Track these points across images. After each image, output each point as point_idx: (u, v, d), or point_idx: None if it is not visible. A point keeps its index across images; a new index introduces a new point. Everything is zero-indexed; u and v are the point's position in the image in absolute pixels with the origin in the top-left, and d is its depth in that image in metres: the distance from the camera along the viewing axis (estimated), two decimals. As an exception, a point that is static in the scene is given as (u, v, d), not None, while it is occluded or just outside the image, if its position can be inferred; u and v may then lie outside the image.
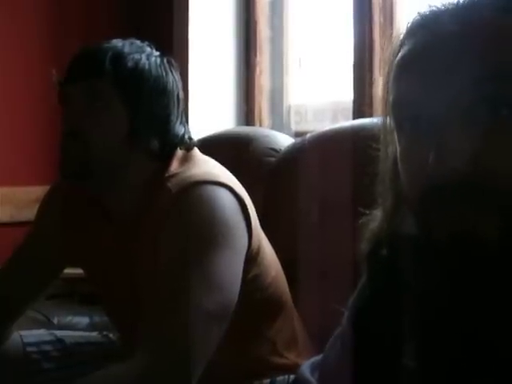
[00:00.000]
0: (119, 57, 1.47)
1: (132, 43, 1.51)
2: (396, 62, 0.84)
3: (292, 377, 1.45)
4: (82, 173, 1.47)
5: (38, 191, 2.18)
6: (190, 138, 1.54)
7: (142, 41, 1.54)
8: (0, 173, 2.86)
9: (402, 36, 0.86)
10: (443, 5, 0.83)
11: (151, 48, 1.53)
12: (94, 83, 1.46)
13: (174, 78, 1.53)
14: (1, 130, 2.85)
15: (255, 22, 2.82)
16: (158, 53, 1.53)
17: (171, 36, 2.84)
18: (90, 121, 1.46)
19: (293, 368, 1.42)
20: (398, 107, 0.83)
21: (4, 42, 2.88)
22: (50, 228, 1.66)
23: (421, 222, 0.81)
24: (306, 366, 1.02)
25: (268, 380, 1.53)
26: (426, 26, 0.83)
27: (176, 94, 1.53)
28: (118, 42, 1.50)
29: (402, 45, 0.85)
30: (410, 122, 0.81)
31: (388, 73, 0.87)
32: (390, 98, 0.84)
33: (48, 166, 2.73)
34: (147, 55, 1.50)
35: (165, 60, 1.53)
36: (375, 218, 0.92)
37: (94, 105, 1.46)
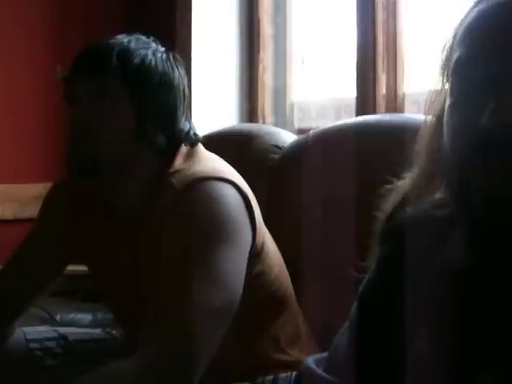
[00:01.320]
0: (126, 53, 1.47)
1: (138, 39, 1.51)
2: (468, 20, 0.85)
3: (295, 374, 1.45)
4: (90, 169, 1.47)
5: (41, 188, 2.18)
6: (196, 134, 1.54)
7: (148, 36, 1.54)
8: (2, 170, 2.86)
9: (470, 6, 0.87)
10: None
11: (157, 44, 1.53)
12: (101, 80, 1.46)
13: (179, 74, 1.53)
14: (4, 127, 2.85)
15: (258, 20, 2.82)
16: (163, 48, 1.53)
17: (174, 33, 2.84)
18: (97, 117, 1.46)
19: (296, 365, 1.42)
20: (462, 64, 0.84)
21: (7, 39, 2.88)
22: (53, 225, 1.66)
23: (459, 177, 0.81)
24: (310, 360, 1.01)
25: (271, 377, 1.53)
26: None
27: (182, 89, 1.53)
28: (123, 38, 1.50)
29: (476, 5, 0.86)
30: (471, 78, 0.82)
31: (455, 32, 0.88)
32: (455, 55, 0.85)
33: (50, 163, 2.74)
34: (153, 51, 1.50)
35: (170, 55, 1.53)
36: (398, 185, 0.92)
37: (101, 101, 1.46)
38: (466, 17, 0.87)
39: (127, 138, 1.47)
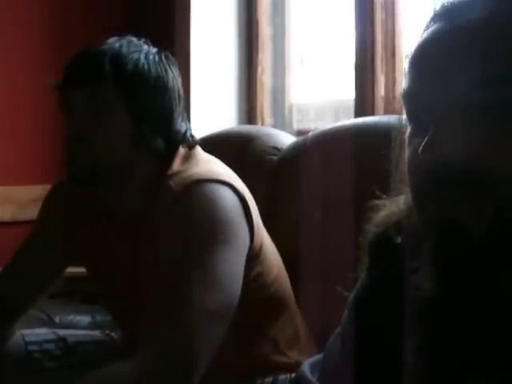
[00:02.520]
0: (118, 59, 1.46)
1: (129, 42, 1.50)
2: (413, 50, 0.84)
3: (294, 375, 1.45)
4: (91, 178, 1.48)
5: (40, 190, 2.18)
6: (192, 136, 1.54)
7: (139, 38, 1.53)
8: (1, 172, 2.86)
9: (423, 27, 0.86)
10: None
11: (148, 45, 1.52)
12: (95, 88, 1.45)
13: (173, 75, 1.52)
14: (2, 128, 2.85)
15: (257, 21, 2.82)
16: (155, 49, 1.52)
17: (173, 34, 2.84)
18: (94, 126, 1.45)
19: (295, 367, 1.41)
20: (406, 97, 0.83)
21: (5, 40, 2.87)
22: (52, 227, 1.66)
23: (416, 209, 0.82)
24: (306, 366, 1.02)
25: (270, 379, 1.53)
26: (443, 17, 0.82)
27: (177, 90, 1.52)
28: (115, 43, 1.49)
29: (421, 35, 0.85)
30: (415, 113, 0.82)
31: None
32: (403, 86, 0.84)
33: (49, 164, 2.73)
34: (145, 53, 1.49)
35: (163, 56, 1.52)
36: (388, 203, 0.92)
37: (97, 109, 1.45)
38: (420, 36, 0.85)
39: (125, 144, 1.47)
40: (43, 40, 2.95)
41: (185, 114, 1.55)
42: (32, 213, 1.88)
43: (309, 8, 2.72)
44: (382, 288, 0.89)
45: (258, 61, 2.81)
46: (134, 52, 1.48)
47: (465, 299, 0.78)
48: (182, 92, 1.55)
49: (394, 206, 0.91)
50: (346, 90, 2.45)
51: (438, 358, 0.80)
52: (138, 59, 1.47)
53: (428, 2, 2.24)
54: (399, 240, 0.88)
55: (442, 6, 0.83)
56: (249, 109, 2.83)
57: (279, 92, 2.78)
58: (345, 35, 2.47)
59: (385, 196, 0.94)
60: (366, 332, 0.90)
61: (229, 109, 2.83)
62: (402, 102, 0.84)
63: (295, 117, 2.73)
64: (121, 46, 1.48)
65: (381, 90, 2.27)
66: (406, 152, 0.84)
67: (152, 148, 1.49)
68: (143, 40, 1.53)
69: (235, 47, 2.85)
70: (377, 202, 0.94)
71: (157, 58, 1.50)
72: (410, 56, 0.83)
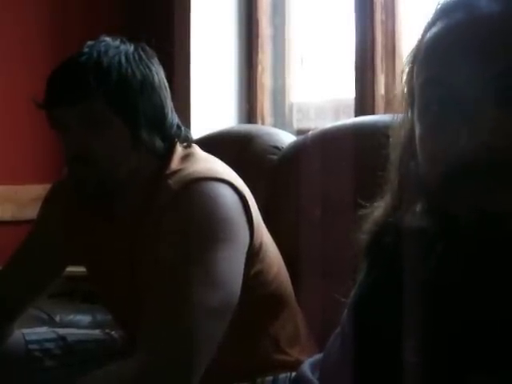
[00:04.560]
0: (102, 70, 1.42)
1: (106, 46, 1.46)
2: (428, 40, 0.83)
3: (294, 374, 1.45)
4: (100, 192, 1.47)
5: (39, 189, 2.18)
6: (179, 126, 1.53)
7: (113, 37, 1.50)
8: (1, 171, 2.86)
9: (430, 19, 0.86)
10: None
11: (124, 43, 1.49)
12: (84, 105, 1.42)
13: (156, 70, 1.50)
14: (2, 128, 2.86)
15: (257, 21, 2.82)
16: (132, 46, 1.49)
17: (173, 34, 2.84)
18: (93, 142, 1.44)
19: (295, 365, 1.41)
20: (431, 85, 0.82)
21: (5, 40, 2.88)
22: (51, 226, 1.66)
23: (443, 201, 0.81)
24: (306, 365, 1.02)
25: (271, 377, 1.53)
26: (460, 7, 0.82)
27: (162, 84, 1.51)
28: (92, 51, 1.44)
29: (429, 27, 0.85)
30: (441, 101, 0.81)
31: (414, 56, 0.87)
32: (420, 79, 0.84)
33: (49, 164, 2.74)
34: (125, 55, 1.46)
35: (141, 52, 1.49)
36: (376, 209, 0.93)
37: (92, 125, 1.43)
38: (422, 38, 0.86)
39: (126, 152, 1.46)
40: (43, 40, 2.95)
41: (172, 105, 1.54)
42: (32, 212, 1.88)
43: (309, 8, 2.72)
44: (380, 287, 0.89)
45: (259, 60, 2.81)
46: (114, 57, 1.45)
47: (485, 291, 0.78)
48: (166, 84, 1.53)
49: (379, 210, 0.92)
50: (346, 90, 2.45)
51: (439, 355, 0.80)
52: (120, 65, 1.44)
53: (427, 2, 2.24)
54: (390, 239, 0.88)
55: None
56: (249, 108, 2.83)
57: (279, 91, 2.78)
58: (345, 35, 2.48)
59: (368, 204, 0.94)
60: (366, 331, 0.90)
61: (229, 108, 2.83)
62: (421, 91, 0.83)
63: (295, 116, 2.73)
64: (99, 55, 1.44)
65: (381, 89, 2.27)
66: (423, 144, 0.83)
67: (151, 149, 1.48)
68: (119, 39, 1.50)
69: (235, 47, 2.85)
70: (364, 210, 0.95)
71: (137, 57, 1.48)
72: (428, 46, 0.83)
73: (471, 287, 0.78)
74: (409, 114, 0.89)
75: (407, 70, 0.89)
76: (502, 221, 0.75)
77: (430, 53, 0.83)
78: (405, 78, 0.89)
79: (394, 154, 0.92)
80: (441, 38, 0.82)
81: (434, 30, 0.83)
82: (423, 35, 0.86)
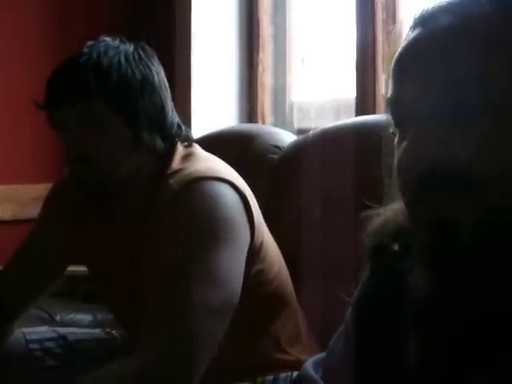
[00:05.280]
0: (102, 73, 1.42)
1: (106, 46, 1.46)
2: (394, 59, 0.85)
3: (295, 373, 1.45)
4: (101, 192, 1.48)
5: (40, 189, 2.18)
6: (179, 125, 1.53)
7: (113, 37, 1.50)
8: (1, 171, 2.86)
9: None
10: (443, 1, 0.84)
11: (124, 43, 1.49)
12: (85, 106, 1.42)
13: (156, 69, 1.50)
14: (2, 128, 2.85)
15: (258, 20, 2.82)
16: (131, 46, 1.49)
17: (174, 34, 2.84)
18: (94, 143, 1.44)
19: (296, 364, 1.42)
20: (391, 105, 0.84)
21: (5, 40, 2.88)
22: (53, 226, 1.66)
23: (409, 213, 0.83)
24: (309, 363, 1.02)
25: (271, 376, 1.53)
26: (422, 23, 0.84)
27: (162, 84, 1.50)
28: (92, 52, 1.44)
29: (404, 41, 0.86)
30: (400, 119, 0.83)
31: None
32: (388, 96, 0.86)
33: (50, 163, 2.74)
34: (125, 55, 1.46)
35: (141, 52, 1.49)
36: (380, 212, 0.93)
37: (92, 126, 1.43)
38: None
39: (127, 153, 1.46)
40: (43, 40, 2.95)
41: (172, 104, 1.54)
42: (33, 212, 1.88)
43: (310, 7, 2.72)
44: (384, 288, 0.89)
45: (259, 60, 2.81)
46: (113, 57, 1.45)
47: (457, 298, 0.78)
48: (167, 83, 1.53)
49: (389, 213, 0.92)
50: (346, 89, 2.45)
51: (438, 357, 0.80)
52: (120, 65, 1.44)
53: (427, 1, 2.24)
54: (398, 247, 0.89)
55: (420, 13, 0.85)
56: (250, 107, 2.83)
57: (280, 91, 2.79)
58: (346, 34, 2.47)
59: (376, 205, 0.95)
60: (369, 331, 0.90)
61: (230, 108, 2.83)
62: (387, 108, 0.86)
63: (296, 115, 2.73)
64: (99, 55, 1.44)
65: (382, 88, 2.27)
66: (395, 157, 0.85)
67: (152, 149, 1.48)
68: (118, 39, 1.50)
69: (236, 46, 2.85)
70: (370, 211, 0.95)
71: (136, 57, 1.48)
72: (392, 65, 0.85)
73: (456, 291, 0.79)
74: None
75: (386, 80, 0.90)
76: (458, 231, 0.76)
77: (394, 70, 0.84)
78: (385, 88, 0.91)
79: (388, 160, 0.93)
80: (401, 56, 0.83)
81: (402, 45, 0.85)
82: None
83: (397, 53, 0.84)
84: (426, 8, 0.85)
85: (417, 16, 0.85)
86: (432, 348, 0.81)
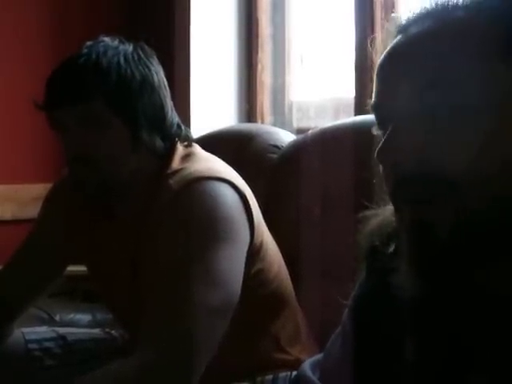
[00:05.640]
0: (101, 74, 1.42)
1: (105, 47, 1.46)
2: (377, 66, 0.88)
3: (295, 373, 1.45)
4: (100, 193, 1.48)
5: (40, 189, 2.18)
6: (179, 125, 1.53)
7: (112, 37, 1.50)
8: (1, 170, 2.86)
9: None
10: (424, 7, 0.87)
11: (123, 43, 1.49)
12: (85, 106, 1.42)
13: (155, 69, 1.50)
14: (2, 128, 2.86)
15: (257, 20, 2.82)
16: (131, 46, 1.49)
17: (173, 33, 2.84)
18: (93, 143, 1.44)
19: (296, 364, 1.42)
20: (374, 108, 0.87)
21: (5, 40, 2.88)
22: (53, 226, 1.66)
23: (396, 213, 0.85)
24: (307, 365, 1.02)
25: (271, 376, 1.53)
26: (403, 31, 0.86)
27: (162, 84, 1.50)
28: (91, 52, 1.44)
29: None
30: (381, 121, 0.85)
31: None
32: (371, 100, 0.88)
33: (50, 163, 2.74)
34: (124, 56, 1.46)
35: (140, 52, 1.49)
36: (378, 212, 0.93)
37: (92, 126, 1.43)
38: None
39: (127, 153, 1.46)
40: (43, 40, 2.95)
41: (172, 104, 1.54)
42: (32, 211, 1.88)
43: (309, 7, 2.72)
44: (380, 288, 0.89)
45: (258, 59, 2.81)
46: (113, 57, 1.44)
47: (440, 297, 0.80)
48: (166, 83, 1.53)
49: (386, 213, 0.93)
50: (346, 89, 2.45)
51: (438, 356, 0.80)
52: (119, 65, 1.44)
53: (427, 1, 2.24)
54: (393, 247, 0.89)
55: (400, 22, 0.88)
56: (249, 107, 2.83)
57: (279, 90, 2.79)
58: (345, 34, 2.47)
59: (373, 206, 0.95)
60: (367, 331, 0.90)
61: (229, 107, 2.83)
62: (373, 113, 0.88)
63: (295, 115, 2.73)
64: (98, 55, 1.44)
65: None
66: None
67: (151, 149, 1.48)
68: (117, 39, 1.50)
69: (235, 46, 2.85)
70: (367, 212, 0.95)
71: (136, 57, 1.47)
72: (376, 71, 0.88)
73: (437, 290, 0.80)
74: None
75: None
76: (435, 230, 0.78)
77: (376, 77, 0.87)
78: None
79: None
80: (381, 63, 0.86)
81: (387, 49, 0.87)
82: None
83: (379, 59, 0.87)
84: (406, 17, 0.88)
85: (398, 24, 0.88)
86: (426, 348, 0.81)
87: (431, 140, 0.79)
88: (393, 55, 0.84)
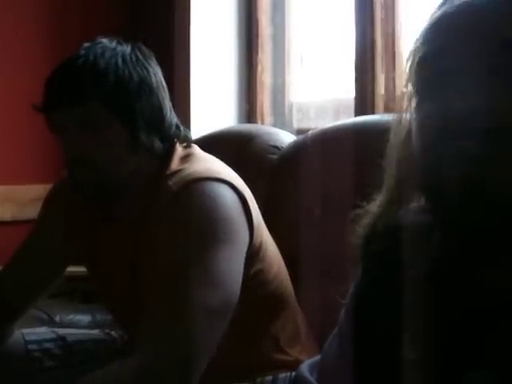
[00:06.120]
0: (99, 75, 1.42)
1: (103, 48, 1.46)
2: (432, 21, 0.86)
3: (294, 374, 1.46)
4: (99, 194, 1.48)
5: (39, 189, 2.18)
6: (178, 126, 1.53)
7: (110, 38, 1.50)
8: (1, 171, 2.85)
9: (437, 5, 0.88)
10: None
11: (121, 44, 1.49)
12: (83, 108, 1.42)
13: (153, 70, 1.50)
14: (2, 128, 2.85)
15: (257, 20, 2.82)
16: (129, 47, 1.49)
17: (173, 34, 2.84)
18: (92, 145, 1.44)
19: (295, 365, 1.41)
20: (426, 60, 0.84)
21: (4, 40, 2.87)
22: (52, 227, 1.66)
23: (435, 172, 0.82)
24: (305, 366, 1.02)
25: (270, 377, 1.53)
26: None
27: (160, 85, 1.50)
28: (89, 53, 1.44)
29: (435, 12, 0.87)
30: (433, 75, 0.83)
31: (414, 49, 0.89)
32: (419, 55, 0.86)
33: (49, 164, 2.73)
34: (122, 57, 1.46)
35: (138, 53, 1.49)
36: (371, 208, 0.93)
37: (90, 128, 1.43)
38: (430, 19, 0.88)
39: (126, 154, 1.46)
40: (42, 40, 2.94)
41: (171, 104, 1.53)
42: (32, 212, 1.88)
43: (309, 7, 2.72)
44: (377, 286, 0.89)
45: (258, 60, 2.81)
46: (110, 59, 1.44)
47: (485, 276, 0.77)
48: (164, 84, 1.52)
49: (373, 206, 0.92)
50: (346, 89, 2.45)
51: (437, 352, 0.80)
52: (117, 67, 1.44)
53: (427, 1, 2.24)
54: (385, 239, 0.89)
55: None
56: (249, 108, 2.83)
57: (279, 91, 2.78)
58: (345, 34, 2.47)
59: (364, 203, 0.95)
60: (363, 331, 0.90)
61: (229, 108, 2.83)
62: (418, 67, 0.85)
63: (295, 115, 2.73)
64: (96, 57, 1.44)
65: (381, 88, 2.27)
66: (416, 121, 0.85)
67: (150, 150, 1.48)
68: (115, 40, 1.49)
69: (235, 46, 2.85)
70: (358, 210, 0.95)
71: (134, 58, 1.47)
72: (431, 25, 0.86)
73: (466, 277, 0.78)
74: (408, 112, 0.90)
75: (408, 65, 0.90)
76: (490, 190, 0.76)
77: (430, 31, 0.85)
78: (408, 73, 0.90)
79: (392, 153, 0.93)
80: (441, 18, 0.85)
81: (439, 11, 0.86)
82: (431, 16, 0.88)
83: (439, 15, 0.85)
84: None
85: None
86: (435, 342, 0.80)
87: (501, 96, 0.78)
88: (466, 12, 0.83)
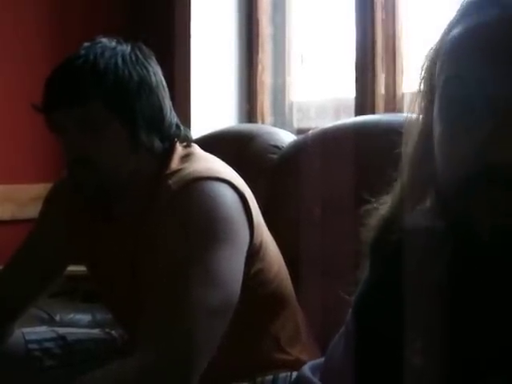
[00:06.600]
0: (99, 75, 1.42)
1: (103, 47, 1.46)
2: (455, 36, 0.80)
3: (295, 373, 1.45)
4: (100, 194, 1.48)
5: (39, 189, 2.18)
6: (178, 125, 1.53)
7: (109, 38, 1.50)
8: (1, 170, 2.85)
9: (455, 15, 0.83)
10: None
11: (121, 44, 1.49)
12: (83, 108, 1.42)
13: (153, 70, 1.50)
14: (2, 127, 2.85)
15: (257, 20, 2.82)
16: (128, 47, 1.49)
17: (173, 33, 2.84)
18: (92, 145, 1.44)
19: (296, 364, 1.42)
20: (454, 83, 0.78)
21: (5, 40, 2.87)
22: (52, 226, 1.66)
23: (460, 207, 0.77)
24: (306, 367, 1.01)
25: (271, 376, 1.53)
26: (488, 4, 0.78)
27: (161, 84, 1.50)
28: (89, 53, 1.44)
29: (454, 24, 0.82)
30: (465, 99, 0.77)
31: (436, 52, 0.84)
32: (443, 75, 0.80)
33: (49, 163, 2.73)
34: (122, 56, 1.46)
35: (138, 52, 1.49)
36: (383, 205, 0.91)
37: (90, 128, 1.43)
38: (446, 34, 0.83)
39: (126, 154, 1.46)
40: (43, 40, 2.94)
41: (171, 104, 1.53)
42: (32, 212, 1.88)
43: (309, 7, 2.72)
44: (384, 286, 0.89)
45: (259, 59, 2.81)
46: (110, 58, 1.44)
47: (493, 296, 0.77)
48: (164, 83, 1.52)
49: (385, 206, 0.91)
50: (346, 89, 2.45)
51: (444, 356, 0.79)
52: (117, 67, 1.44)
53: (428, 1, 2.24)
54: (396, 237, 0.88)
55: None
56: (249, 107, 2.83)
57: (280, 90, 2.78)
58: (345, 34, 2.47)
59: (373, 200, 0.93)
60: (370, 330, 0.89)
61: (229, 107, 2.83)
62: (443, 90, 0.80)
63: (296, 115, 2.73)
64: (96, 56, 1.44)
65: (381, 88, 2.27)
66: (442, 145, 0.80)
67: (150, 149, 1.48)
68: (115, 40, 1.49)
69: (235, 46, 2.85)
70: (368, 207, 0.93)
71: (133, 58, 1.47)
72: (452, 43, 0.80)
73: (479, 292, 0.77)
74: (425, 112, 0.86)
75: (426, 65, 0.86)
76: None
77: (457, 49, 0.79)
78: (423, 74, 0.86)
79: (407, 151, 0.89)
80: (468, 34, 0.78)
81: (461, 26, 0.80)
82: (447, 30, 0.82)
83: (459, 31, 0.79)
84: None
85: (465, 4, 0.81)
86: (446, 346, 0.79)
87: None
88: (490, 28, 0.76)
